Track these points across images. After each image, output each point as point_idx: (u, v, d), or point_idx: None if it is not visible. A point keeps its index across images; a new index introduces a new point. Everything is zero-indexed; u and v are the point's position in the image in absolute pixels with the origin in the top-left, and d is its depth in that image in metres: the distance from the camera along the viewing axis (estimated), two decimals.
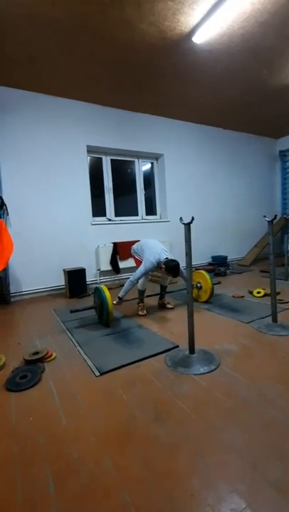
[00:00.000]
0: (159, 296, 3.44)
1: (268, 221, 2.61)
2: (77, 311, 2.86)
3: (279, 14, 2.84)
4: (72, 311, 2.85)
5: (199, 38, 3.09)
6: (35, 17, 2.68)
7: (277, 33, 3.12)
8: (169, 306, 3.35)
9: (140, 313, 3.14)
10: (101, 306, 2.76)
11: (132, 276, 2.99)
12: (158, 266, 2.98)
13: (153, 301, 3.57)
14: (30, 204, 4.14)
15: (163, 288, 3.39)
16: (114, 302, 2.97)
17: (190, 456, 1.22)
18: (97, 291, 2.83)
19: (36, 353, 2.20)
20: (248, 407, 1.53)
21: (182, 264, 2.60)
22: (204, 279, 3.41)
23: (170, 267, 2.86)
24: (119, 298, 3.02)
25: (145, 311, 3.15)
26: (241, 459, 1.20)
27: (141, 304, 3.23)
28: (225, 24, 2.93)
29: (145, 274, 3.01)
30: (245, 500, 1.01)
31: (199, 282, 3.45)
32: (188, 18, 2.81)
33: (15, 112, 3.97)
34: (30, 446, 1.34)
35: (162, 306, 3.39)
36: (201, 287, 3.44)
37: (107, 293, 2.70)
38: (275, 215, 2.77)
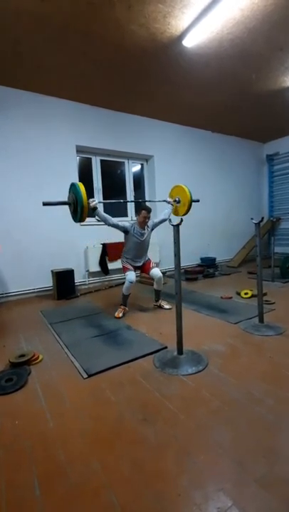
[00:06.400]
0: (155, 299, 3.42)
1: (255, 223, 2.66)
2: (50, 204, 2.65)
3: (267, 21, 2.91)
4: (44, 204, 2.62)
5: (189, 42, 3.13)
6: (24, 13, 2.64)
7: (265, 39, 3.19)
8: (167, 306, 3.33)
9: (116, 314, 3.11)
10: (76, 202, 2.55)
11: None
12: (131, 231, 3.17)
13: (144, 303, 3.57)
14: (19, 203, 4.07)
15: (157, 292, 3.36)
16: (121, 315, 3.08)
17: (178, 456, 1.23)
18: (73, 187, 2.60)
19: (22, 355, 2.16)
20: (236, 406, 1.54)
21: (171, 265, 2.61)
22: (183, 192, 3.16)
23: (138, 207, 3.22)
24: (123, 295, 3.14)
25: (121, 315, 3.10)
26: (228, 457, 1.21)
27: (122, 307, 3.19)
28: (215, 29, 2.97)
29: (115, 225, 3.07)
30: (231, 498, 1.02)
31: (178, 197, 3.23)
32: (179, 21, 2.84)
33: (2, 110, 3.91)
34: (16, 449, 1.31)
35: (159, 307, 3.37)
36: (179, 201, 3.22)
37: (82, 189, 2.49)
38: (262, 218, 2.83)
